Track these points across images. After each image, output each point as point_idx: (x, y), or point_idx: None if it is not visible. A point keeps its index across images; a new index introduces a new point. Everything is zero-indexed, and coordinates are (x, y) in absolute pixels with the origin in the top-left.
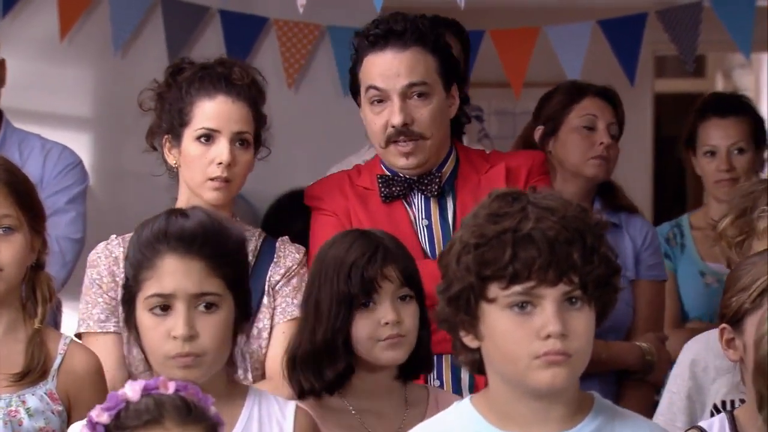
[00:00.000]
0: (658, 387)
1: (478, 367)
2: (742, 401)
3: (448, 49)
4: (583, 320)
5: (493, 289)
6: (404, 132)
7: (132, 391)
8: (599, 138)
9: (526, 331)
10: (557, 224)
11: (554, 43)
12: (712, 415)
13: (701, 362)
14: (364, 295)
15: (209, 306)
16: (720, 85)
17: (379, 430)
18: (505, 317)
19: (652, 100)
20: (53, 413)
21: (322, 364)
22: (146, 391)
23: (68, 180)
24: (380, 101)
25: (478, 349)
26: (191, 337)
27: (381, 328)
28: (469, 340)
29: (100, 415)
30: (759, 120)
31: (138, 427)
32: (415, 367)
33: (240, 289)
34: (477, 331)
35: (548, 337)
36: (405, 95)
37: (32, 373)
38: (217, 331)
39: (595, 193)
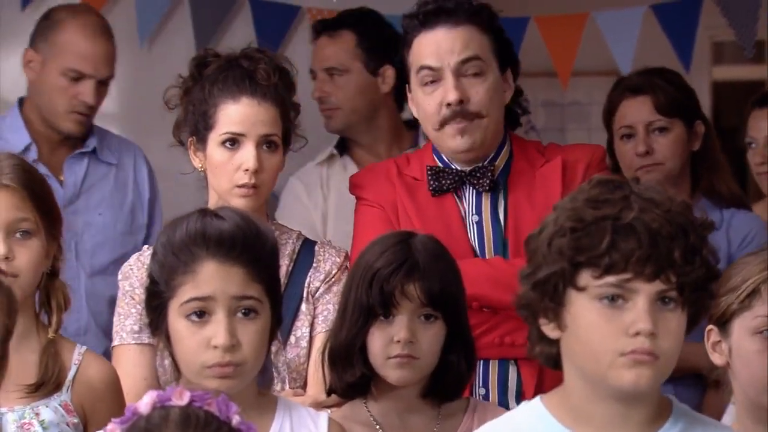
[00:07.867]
0: None
1: (554, 362)
2: None
3: (502, 31)
4: (675, 322)
5: (585, 277)
6: (459, 112)
7: (143, 404)
8: (636, 146)
9: (614, 326)
10: (661, 217)
11: (604, 29)
12: None
13: None
14: (381, 308)
15: (248, 312)
16: None
17: None
18: (594, 308)
19: (710, 89)
20: (68, 425)
21: (342, 367)
22: (159, 403)
23: None
24: (433, 81)
25: (557, 342)
26: (233, 346)
27: (393, 344)
28: (549, 330)
29: (114, 429)
30: None
31: None
32: (441, 391)
33: (276, 295)
34: (560, 321)
35: (637, 334)
36: (459, 72)
37: (46, 384)
38: (258, 339)
39: (691, 190)
